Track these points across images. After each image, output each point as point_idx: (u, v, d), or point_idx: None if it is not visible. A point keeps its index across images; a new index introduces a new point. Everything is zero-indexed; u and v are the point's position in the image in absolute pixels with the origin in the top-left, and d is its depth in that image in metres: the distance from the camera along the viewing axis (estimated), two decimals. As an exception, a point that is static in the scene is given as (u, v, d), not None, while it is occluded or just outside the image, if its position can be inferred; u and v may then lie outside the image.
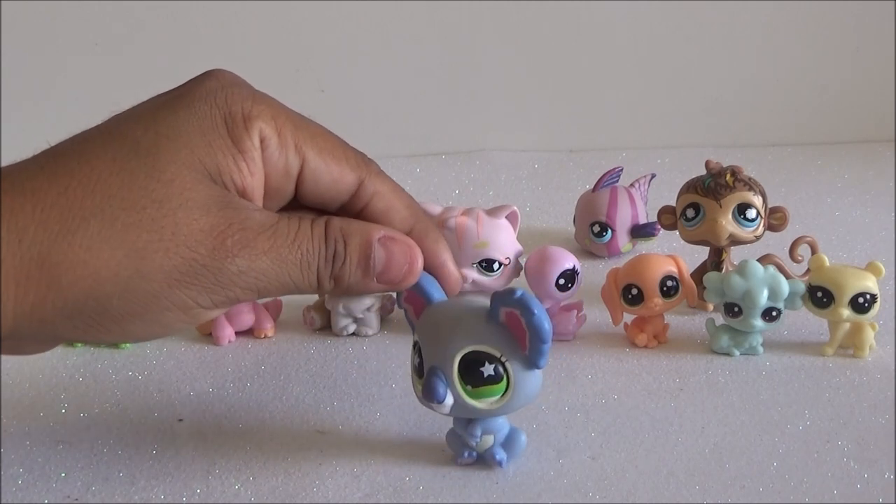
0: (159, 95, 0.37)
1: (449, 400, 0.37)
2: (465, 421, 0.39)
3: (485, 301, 0.37)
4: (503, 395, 0.37)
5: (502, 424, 0.39)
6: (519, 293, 0.36)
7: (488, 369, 0.37)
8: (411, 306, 0.40)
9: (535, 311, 0.36)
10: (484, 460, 0.40)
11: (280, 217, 0.36)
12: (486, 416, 0.38)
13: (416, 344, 0.38)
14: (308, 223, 0.37)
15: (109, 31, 0.87)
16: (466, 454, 0.40)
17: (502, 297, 0.36)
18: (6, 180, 0.32)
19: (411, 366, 0.39)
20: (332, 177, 0.38)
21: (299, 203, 0.39)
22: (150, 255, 0.33)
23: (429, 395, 0.37)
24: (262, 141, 0.37)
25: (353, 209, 0.39)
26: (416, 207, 0.41)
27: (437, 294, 0.39)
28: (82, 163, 0.33)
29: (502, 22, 0.92)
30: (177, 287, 0.34)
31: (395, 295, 0.41)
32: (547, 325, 0.36)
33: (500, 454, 0.39)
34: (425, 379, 0.37)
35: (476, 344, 0.37)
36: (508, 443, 0.40)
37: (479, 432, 0.39)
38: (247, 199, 0.36)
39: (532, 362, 0.37)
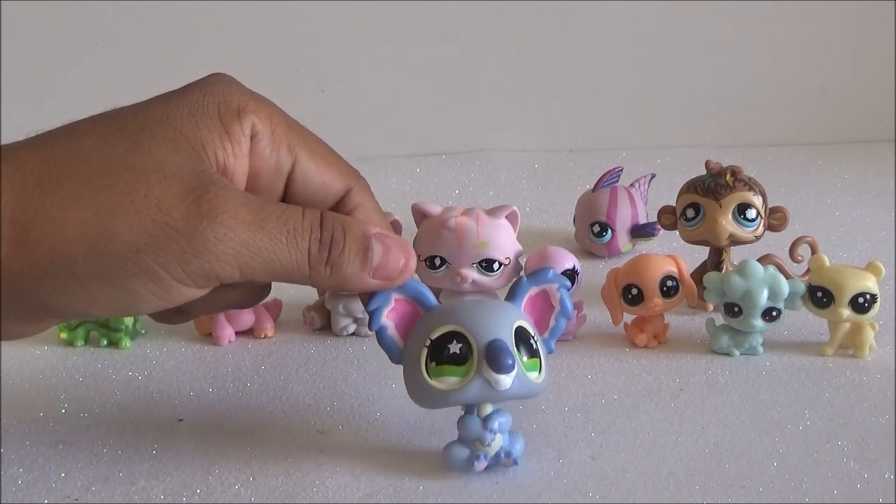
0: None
1: (514, 370, 0.37)
2: (480, 421, 0.38)
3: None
4: (539, 371, 0.38)
5: (507, 423, 0.39)
6: (552, 271, 0.40)
7: (533, 343, 0.38)
8: (393, 322, 0.39)
9: (569, 286, 0.40)
10: (496, 462, 0.39)
11: (265, 198, 0.36)
12: (520, 397, 0.38)
13: (450, 334, 0.37)
14: (297, 207, 0.36)
15: (109, 31, 0.87)
16: (483, 457, 0.39)
17: (535, 277, 0.40)
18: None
19: (433, 359, 0.37)
20: (322, 180, 0.39)
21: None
22: (120, 215, 0.32)
23: (501, 366, 0.36)
24: (254, 135, 0.37)
25: None
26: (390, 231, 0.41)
27: (434, 300, 0.39)
28: (69, 139, 0.34)
29: (502, 22, 0.92)
30: (145, 252, 0.33)
31: (368, 317, 0.40)
32: (571, 305, 0.41)
33: (515, 452, 0.39)
34: (491, 351, 0.36)
35: (519, 319, 0.38)
36: (511, 445, 0.39)
37: (496, 426, 0.38)
38: (229, 180, 0.36)
39: (549, 344, 0.40)
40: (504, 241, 0.50)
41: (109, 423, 0.44)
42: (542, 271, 0.40)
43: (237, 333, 0.53)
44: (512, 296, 0.40)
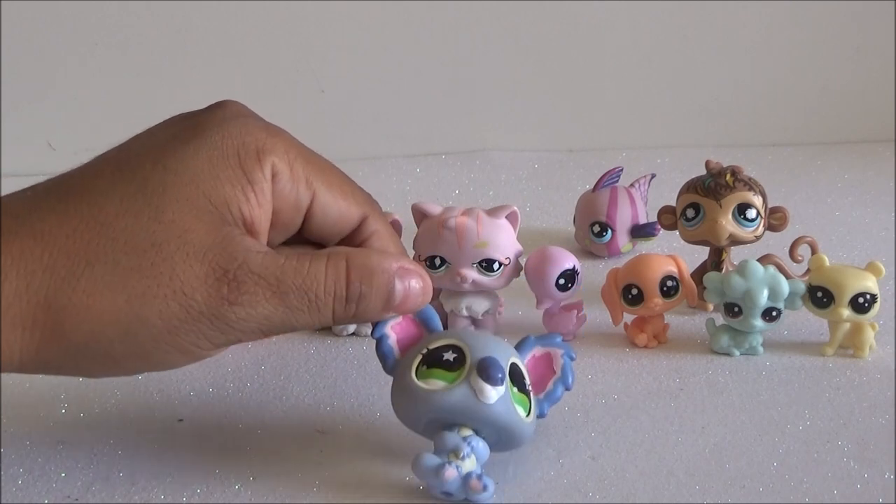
0: (171, 123, 0.37)
1: (502, 389, 0.37)
2: (459, 436, 0.37)
3: None
4: (528, 413, 0.38)
5: (485, 454, 0.38)
6: (560, 338, 0.41)
7: (525, 384, 0.38)
8: (396, 335, 0.40)
9: (574, 357, 0.40)
10: (465, 481, 0.36)
11: (286, 257, 0.35)
12: (500, 423, 0.37)
13: (449, 347, 0.38)
14: (320, 264, 0.36)
15: (109, 30, 0.87)
16: (454, 466, 0.36)
17: (544, 339, 0.40)
18: (17, 220, 0.33)
19: (426, 363, 0.38)
20: (339, 212, 0.39)
21: (302, 236, 0.40)
22: (150, 300, 0.33)
23: (490, 377, 0.36)
24: (275, 175, 0.36)
25: (351, 243, 0.40)
26: (405, 254, 0.42)
27: (439, 324, 0.40)
28: (91, 203, 0.34)
29: (502, 22, 0.92)
30: (175, 333, 0.34)
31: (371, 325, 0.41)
32: (573, 377, 0.40)
33: (487, 481, 0.36)
34: (483, 363, 0.37)
35: (516, 359, 0.39)
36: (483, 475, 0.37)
37: (474, 444, 0.37)
38: (253, 231, 0.36)
39: (542, 406, 0.40)
40: (504, 241, 0.50)
41: (109, 423, 0.44)
42: (551, 336, 0.41)
43: (237, 333, 0.53)
44: (517, 348, 0.40)
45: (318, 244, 0.40)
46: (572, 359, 0.40)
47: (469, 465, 0.37)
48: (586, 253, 0.65)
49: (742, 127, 0.96)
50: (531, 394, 0.39)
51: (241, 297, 0.34)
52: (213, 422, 0.44)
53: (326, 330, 0.54)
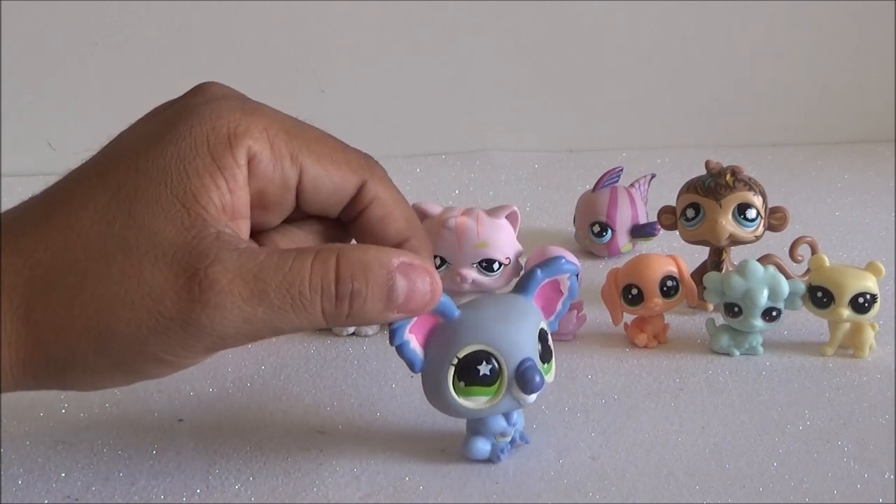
0: (151, 116, 0.36)
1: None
2: (503, 417, 0.39)
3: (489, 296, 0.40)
4: (551, 370, 0.39)
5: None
6: (563, 260, 0.40)
7: (549, 343, 0.39)
8: (415, 335, 0.37)
9: (579, 271, 0.41)
10: (511, 446, 0.41)
11: (267, 253, 0.33)
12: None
13: (480, 355, 0.37)
14: (306, 259, 0.33)
15: (109, 30, 0.87)
16: (505, 448, 0.40)
17: (549, 268, 0.40)
18: (7, 235, 0.33)
19: (461, 378, 0.37)
20: (333, 182, 0.37)
21: (302, 212, 0.38)
22: (117, 309, 0.32)
23: (532, 388, 0.37)
24: (252, 157, 0.35)
25: (351, 212, 0.38)
26: (414, 221, 0.40)
27: (455, 310, 0.38)
28: (70, 215, 0.33)
29: (502, 22, 0.92)
30: (146, 343, 0.32)
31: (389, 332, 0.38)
32: (577, 289, 0.41)
33: (524, 432, 0.41)
34: (521, 375, 0.37)
35: (539, 321, 0.39)
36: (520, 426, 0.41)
37: (515, 417, 0.40)
38: (230, 219, 0.34)
39: (552, 325, 0.41)
40: (504, 241, 0.50)
41: (109, 423, 0.44)
42: (554, 262, 0.40)
43: (237, 333, 0.53)
44: (524, 288, 0.39)
45: (319, 219, 0.39)
46: (577, 274, 0.41)
47: (511, 433, 0.40)
48: (586, 253, 0.65)
49: (742, 127, 0.96)
50: (551, 346, 0.39)
51: (213, 297, 0.31)
52: (213, 422, 0.44)
53: (326, 330, 0.54)
